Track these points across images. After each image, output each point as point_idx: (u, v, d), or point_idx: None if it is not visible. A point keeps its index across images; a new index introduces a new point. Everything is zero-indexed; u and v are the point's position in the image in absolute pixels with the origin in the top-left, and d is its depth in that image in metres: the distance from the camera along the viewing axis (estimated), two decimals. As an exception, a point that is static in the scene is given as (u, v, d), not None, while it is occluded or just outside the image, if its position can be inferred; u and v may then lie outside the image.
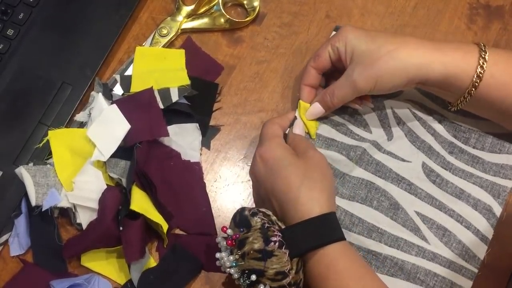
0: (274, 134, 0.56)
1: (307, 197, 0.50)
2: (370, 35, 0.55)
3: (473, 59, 0.52)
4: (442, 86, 0.54)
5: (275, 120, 0.58)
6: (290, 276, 0.48)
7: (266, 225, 0.49)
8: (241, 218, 0.50)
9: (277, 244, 0.48)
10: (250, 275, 0.48)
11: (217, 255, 0.51)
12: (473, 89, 0.53)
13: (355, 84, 0.54)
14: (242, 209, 0.51)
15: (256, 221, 0.49)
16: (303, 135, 0.59)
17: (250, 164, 0.60)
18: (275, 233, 0.48)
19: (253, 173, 0.56)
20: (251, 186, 0.60)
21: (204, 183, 0.60)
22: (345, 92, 0.56)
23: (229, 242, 0.49)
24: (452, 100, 0.56)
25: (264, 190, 0.53)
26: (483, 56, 0.52)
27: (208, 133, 0.62)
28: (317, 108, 0.58)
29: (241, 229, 0.50)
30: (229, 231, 0.50)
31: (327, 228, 0.49)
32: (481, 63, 0.52)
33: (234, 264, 0.49)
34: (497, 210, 0.58)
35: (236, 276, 0.50)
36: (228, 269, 0.50)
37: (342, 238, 0.50)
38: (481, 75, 0.52)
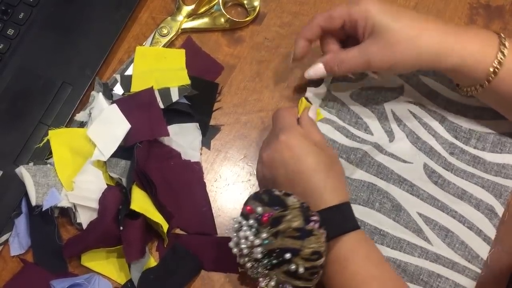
0: (294, 123, 0.56)
1: (333, 186, 0.51)
2: (394, 12, 0.53)
3: (491, 53, 0.51)
4: (454, 75, 0.55)
5: (288, 109, 0.57)
6: (323, 258, 0.48)
7: (305, 204, 0.49)
8: (271, 198, 0.50)
9: (317, 224, 0.48)
10: (282, 254, 0.48)
11: (241, 234, 0.49)
12: (486, 82, 0.52)
13: (369, 62, 0.54)
14: (268, 190, 0.50)
15: (293, 200, 0.49)
16: (315, 125, 0.58)
17: (250, 164, 0.61)
18: (314, 213, 0.49)
19: (272, 157, 0.54)
20: (255, 170, 0.59)
21: (204, 183, 0.60)
22: (355, 64, 0.55)
23: (265, 218, 0.49)
24: (462, 85, 0.56)
25: (284, 175, 0.52)
26: (502, 50, 0.51)
27: (208, 132, 0.62)
28: (320, 69, 0.57)
29: (275, 208, 0.49)
30: (260, 209, 0.49)
31: (352, 215, 0.51)
32: (500, 58, 0.51)
33: (265, 242, 0.48)
34: (499, 210, 0.57)
35: (259, 256, 0.49)
36: (249, 250, 0.49)
37: (359, 227, 0.52)
38: (497, 70, 0.51)
